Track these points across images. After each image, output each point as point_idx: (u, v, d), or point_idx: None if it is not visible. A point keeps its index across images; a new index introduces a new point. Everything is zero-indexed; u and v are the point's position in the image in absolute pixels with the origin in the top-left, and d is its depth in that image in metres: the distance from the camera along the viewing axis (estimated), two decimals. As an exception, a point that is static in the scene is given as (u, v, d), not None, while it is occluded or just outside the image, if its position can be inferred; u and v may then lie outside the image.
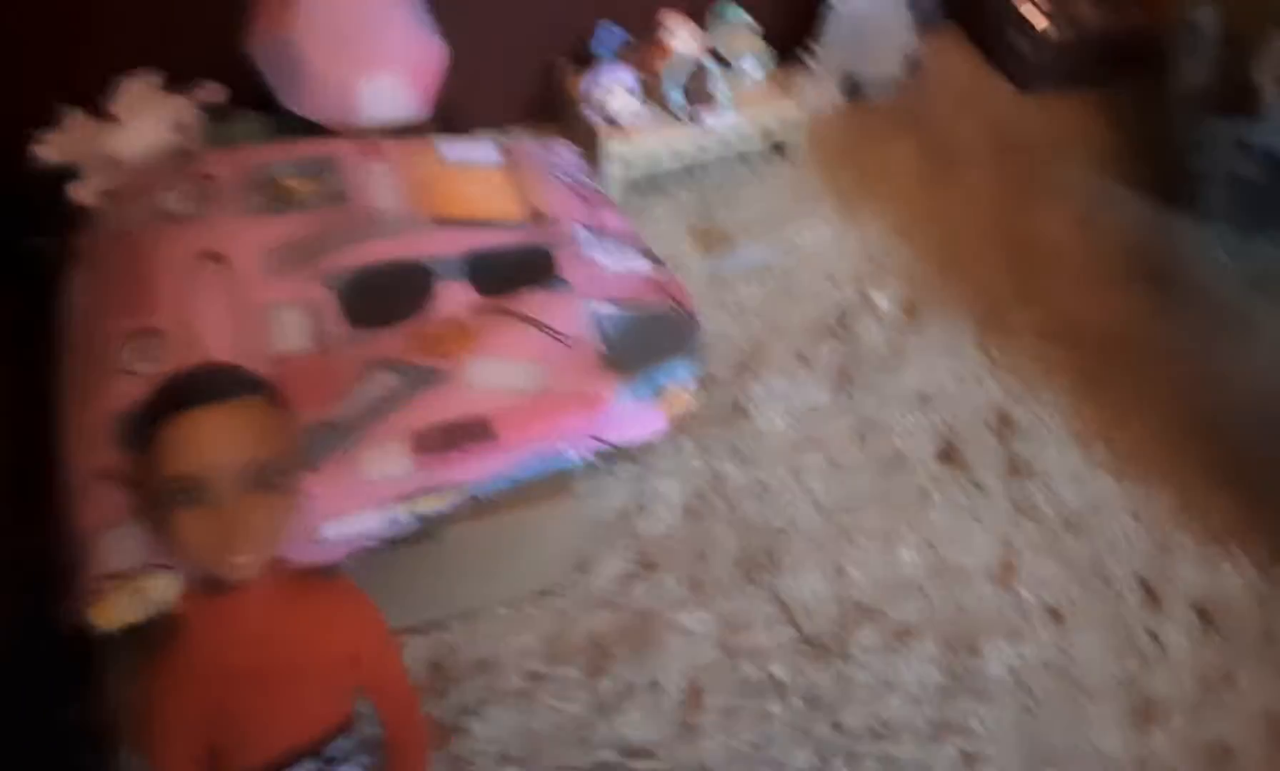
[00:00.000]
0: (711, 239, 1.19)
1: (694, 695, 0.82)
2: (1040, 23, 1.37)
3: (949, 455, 0.99)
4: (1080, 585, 0.90)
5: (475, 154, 0.96)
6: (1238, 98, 1.12)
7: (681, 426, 0.98)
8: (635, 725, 0.80)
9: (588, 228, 0.95)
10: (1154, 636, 0.87)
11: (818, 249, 1.19)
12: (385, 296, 0.84)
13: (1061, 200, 1.26)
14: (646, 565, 0.90)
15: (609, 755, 0.78)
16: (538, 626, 0.86)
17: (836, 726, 0.80)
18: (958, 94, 1.40)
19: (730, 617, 0.87)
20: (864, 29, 1.31)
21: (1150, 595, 0.89)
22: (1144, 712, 0.82)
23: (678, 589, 0.88)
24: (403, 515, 0.74)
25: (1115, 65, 1.38)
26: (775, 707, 0.81)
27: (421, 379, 0.78)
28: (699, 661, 0.84)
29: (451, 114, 1.12)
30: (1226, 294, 1.15)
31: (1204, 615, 0.88)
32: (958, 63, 1.44)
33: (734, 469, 0.97)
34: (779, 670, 0.83)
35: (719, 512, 0.94)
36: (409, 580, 0.81)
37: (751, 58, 1.27)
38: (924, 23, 1.37)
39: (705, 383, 1.02)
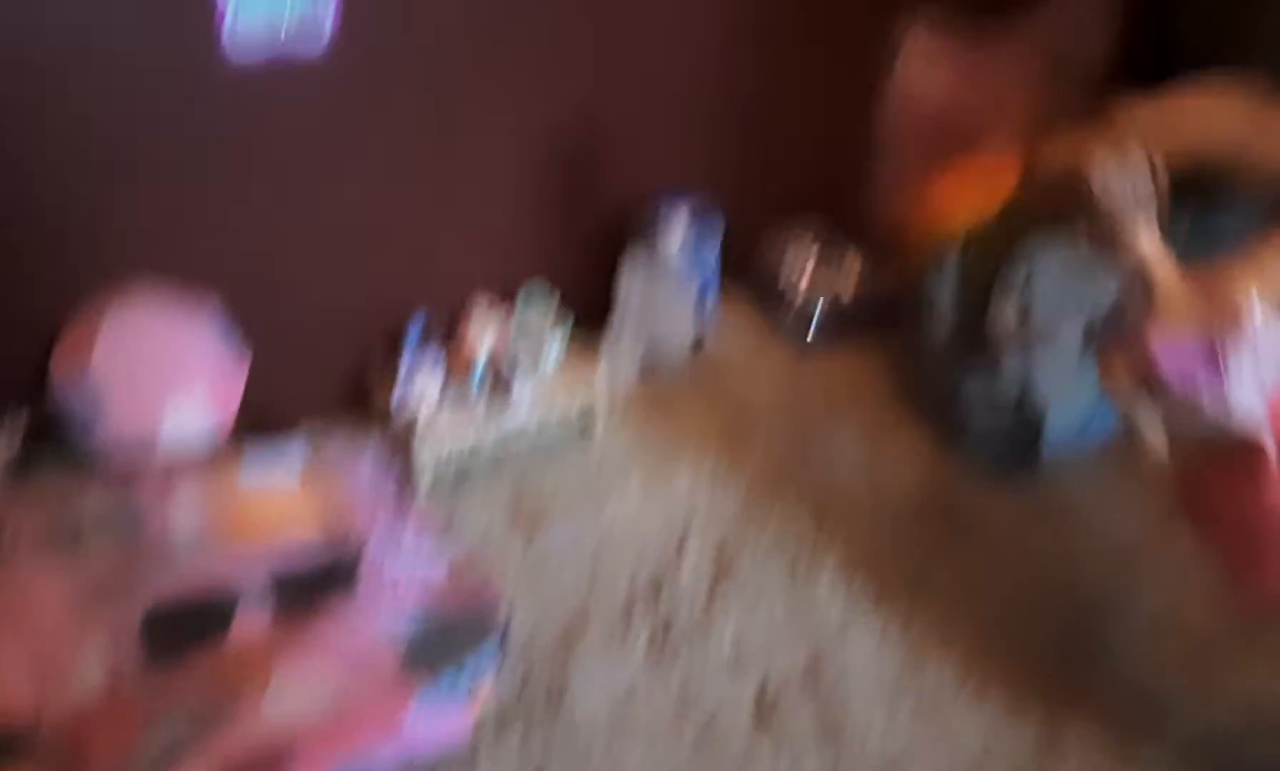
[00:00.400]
0: (524, 522, 1.21)
1: None
2: (810, 290, 1.50)
3: (764, 718, 1.01)
4: None
5: (276, 471, 0.97)
6: (978, 353, 1.24)
7: (497, 724, 0.98)
8: None
9: (390, 535, 0.96)
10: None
11: (628, 520, 1.22)
12: (185, 630, 0.83)
13: (847, 448, 1.33)
14: None
15: None
16: None
17: None
18: (746, 358, 1.49)
19: None
20: (655, 308, 1.39)
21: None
22: None
23: None
24: None
25: (880, 323, 1.50)
26: None
27: (217, 714, 0.76)
28: None
29: (262, 418, 1.13)
30: (1004, 525, 1.22)
31: None
32: (744, 329, 1.53)
33: (553, 764, 0.96)
34: None
35: None
36: None
37: (554, 342, 1.33)
38: (708, 298, 1.45)
39: (521, 674, 1.03)
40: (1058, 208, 0.97)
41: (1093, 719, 1.00)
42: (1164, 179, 0.94)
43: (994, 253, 1.24)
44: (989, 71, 1.49)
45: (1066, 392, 1.21)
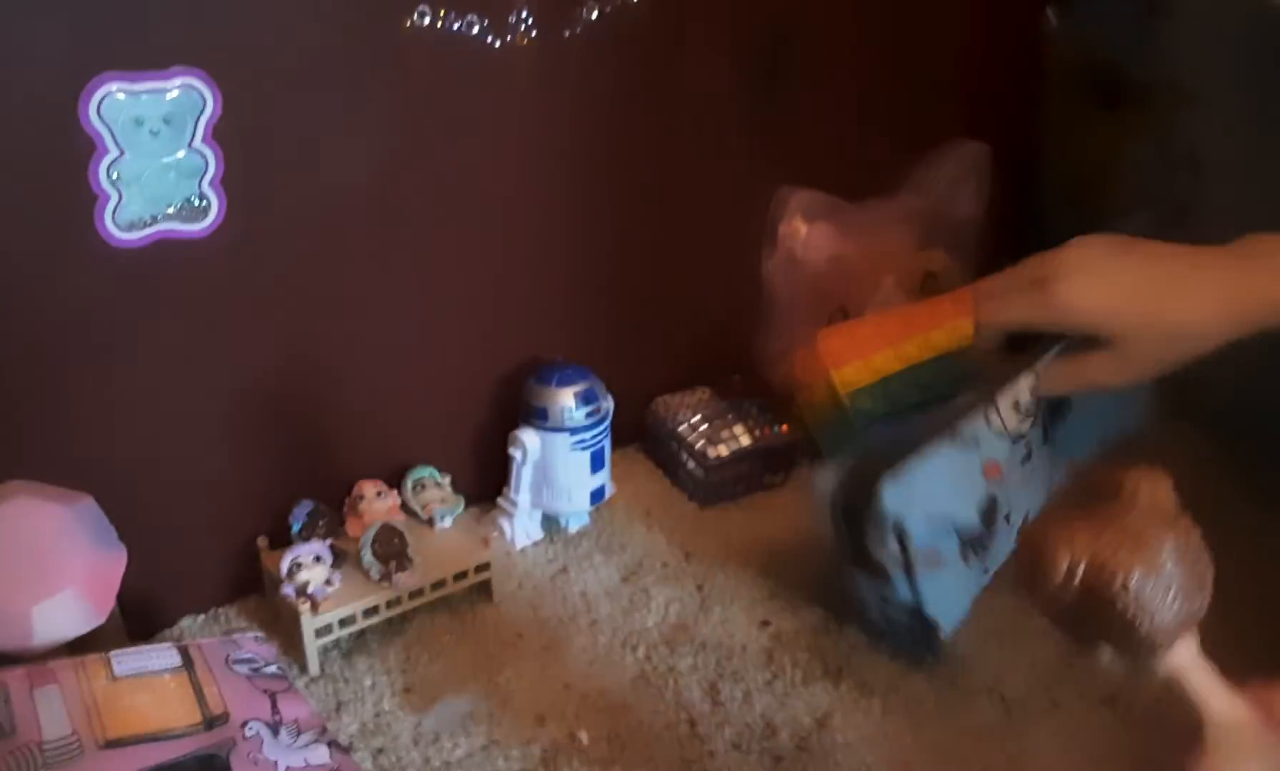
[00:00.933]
0: (415, 692, 1.20)
1: None
2: (704, 447, 1.52)
3: None
4: None
5: (151, 662, 0.96)
6: (868, 563, 1.21)
7: None
8: None
9: (267, 723, 0.95)
10: None
11: (521, 688, 1.22)
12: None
13: (745, 605, 1.34)
14: None
15: None
16: None
17: None
18: (646, 514, 1.51)
19: None
20: (550, 469, 1.41)
21: None
22: None
23: None
24: None
25: (774, 472, 1.55)
26: None
27: None
28: None
29: (143, 609, 1.13)
30: (909, 688, 1.22)
31: None
32: (643, 484, 1.56)
33: None
34: None
35: None
36: None
37: (446, 511, 1.35)
38: (603, 461, 1.46)
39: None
40: (1077, 629, 0.74)
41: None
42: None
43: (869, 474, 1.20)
44: (868, 229, 1.57)
45: (958, 603, 1.22)
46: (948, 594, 1.22)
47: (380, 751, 1.12)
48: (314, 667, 1.20)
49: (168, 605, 1.09)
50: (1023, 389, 1.09)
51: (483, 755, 1.12)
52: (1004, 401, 1.10)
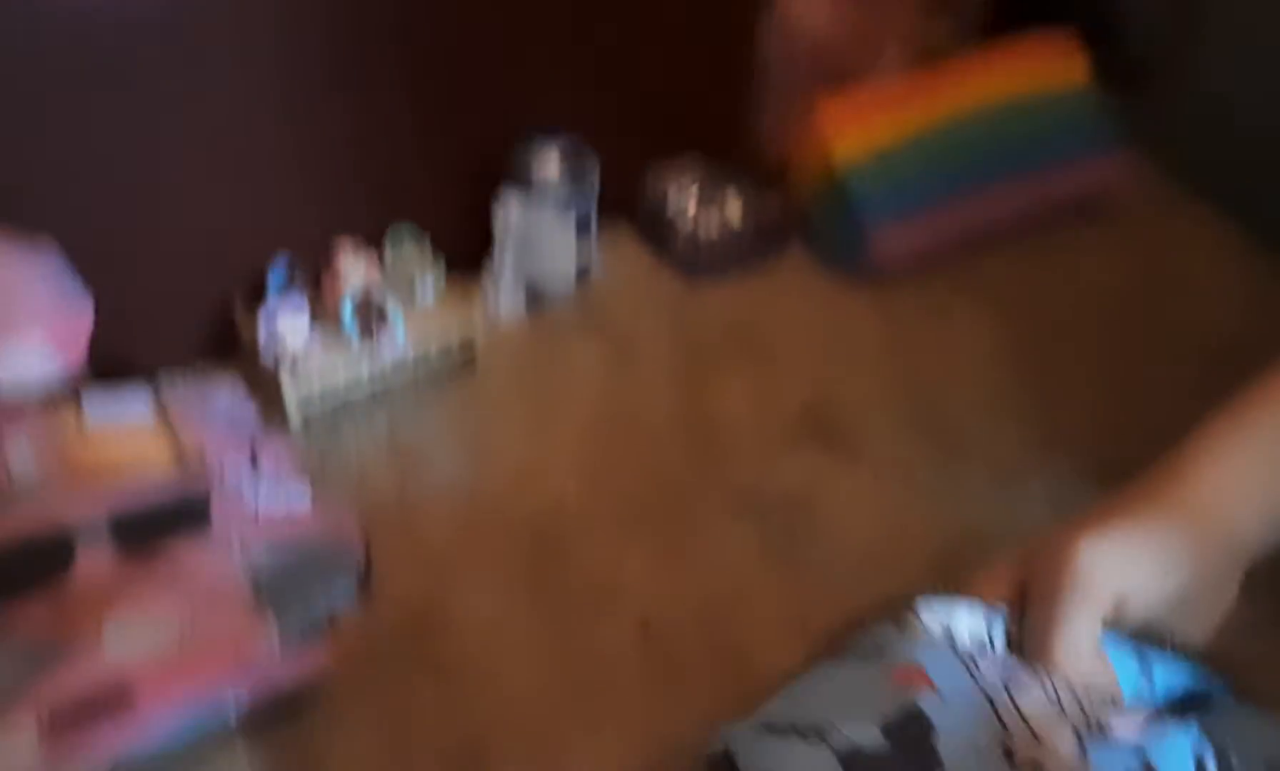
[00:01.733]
0: (401, 462, 1.18)
1: None
2: (695, 222, 1.48)
3: (647, 642, 1.00)
4: None
5: (123, 407, 0.93)
6: None
7: (366, 658, 0.94)
8: None
9: (245, 470, 0.93)
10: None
11: (508, 457, 1.20)
12: (21, 571, 0.79)
13: (735, 379, 1.32)
14: None
15: None
16: None
17: None
18: (633, 291, 1.46)
19: None
20: (535, 240, 1.36)
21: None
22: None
23: None
24: None
25: (767, 248, 1.50)
26: None
27: (53, 654, 0.73)
28: None
29: (116, 364, 1.08)
30: (897, 449, 1.21)
31: None
32: (632, 262, 1.51)
33: (431, 687, 0.95)
34: None
35: (416, 739, 0.91)
36: None
37: (427, 278, 1.30)
38: (590, 231, 1.41)
39: (393, 611, 1.00)
40: None
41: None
42: None
43: None
44: (871, -1, 1.49)
45: None
46: None
47: (363, 512, 1.10)
48: (296, 434, 1.18)
49: (140, 368, 1.06)
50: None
51: (466, 517, 1.11)
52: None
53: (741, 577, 1.06)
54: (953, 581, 0.81)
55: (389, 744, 0.90)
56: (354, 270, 1.24)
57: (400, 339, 1.21)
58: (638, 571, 1.06)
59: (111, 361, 1.08)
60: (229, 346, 1.27)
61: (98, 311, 1.05)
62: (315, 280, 1.26)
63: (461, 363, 1.30)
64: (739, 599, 1.04)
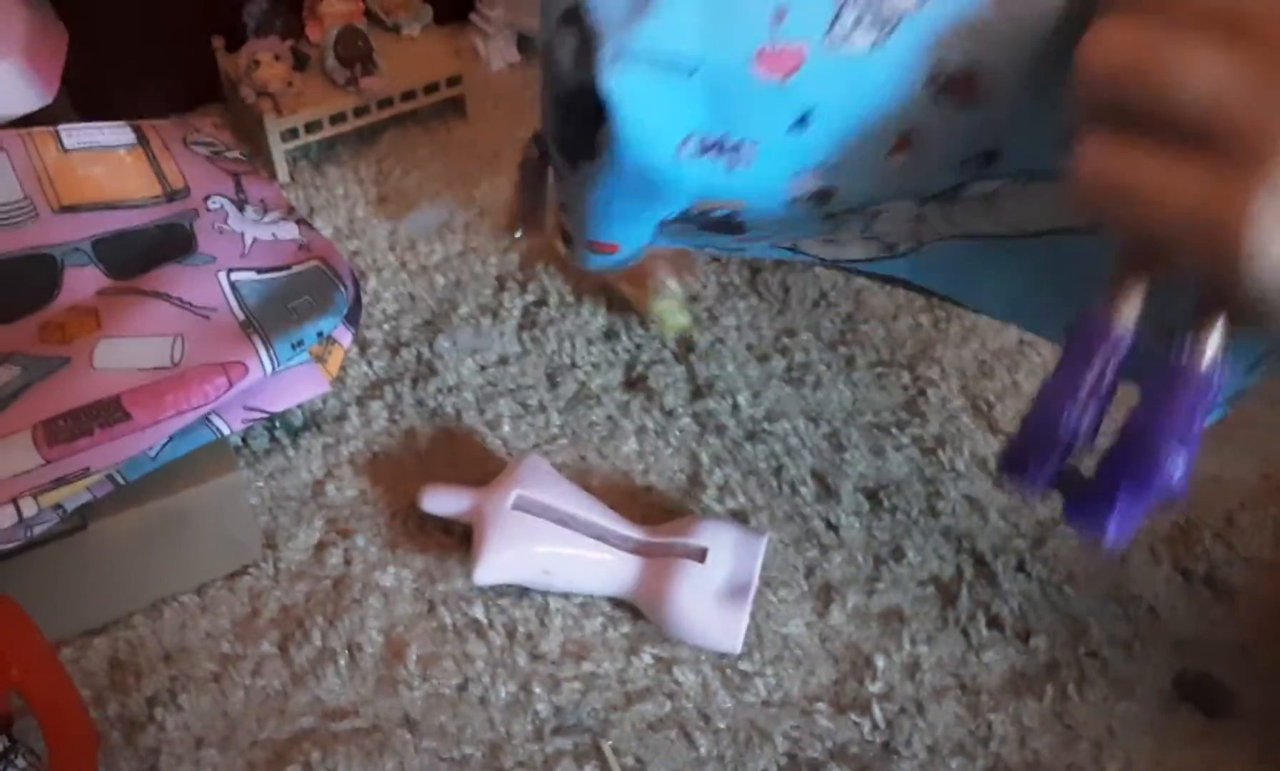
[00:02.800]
0: (390, 202, 1.16)
1: (394, 650, 0.80)
2: None
3: (634, 384, 1.00)
4: (761, 488, 0.92)
5: (104, 137, 0.90)
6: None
7: (365, 388, 0.97)
8: (334, 689, 0.78)
9: (230, 199, 0.90)
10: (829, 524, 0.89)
11: (499, 202, 1.17)
12: (7, 291, 0.78)
13: None
14: (340, 531, 0.87)
15: (308, 721, 0.76)
16: (228, 608, 0.82)
17: (536, 655, 0.80)
18: None
19: (428, 570, 0.85)
20: None
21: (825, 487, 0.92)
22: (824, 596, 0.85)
23: (373, 551, 0.86)
24: (37, 509, 0.69)
25: None
26: (477, 648, 0.80)
27: (45, 367, 0.72)
28: (398, 616, 0.82)
29: (95, 103, 1.04)
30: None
31: (873, 497, 0.91)
32: None
33: (424, 424, 0.95)
34: (479, 612, 0.82)
35: (410, 470, 0.92)
36: (69, 580, 0.76)
37: (412, 17, 1.24)
38: None
39: (389, 345, 1.02)
40: None
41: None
42: None
43: None
44: None
45: None
46: None
47: (356, 254, 1.10)
48: (283, 175, 1.17)
49: (121, 110, 1.03)
50: None
51: (460, 260, 1.10)
52: None
53: (732, 316, 1.06)
54: None
55: (385, 476, 0.92)
56: (336, 9, 1.19)
57: (386, 79, 1.17)
58: (627, 317, 1.06)
59: (91, 105, 1.05)
60: (211, 91, 1.24)
61: (77, 54, 1.02)
62: (297, 20, 1.22)
63: (449, 106, 1.26)
64: (716, 341, 1.04)
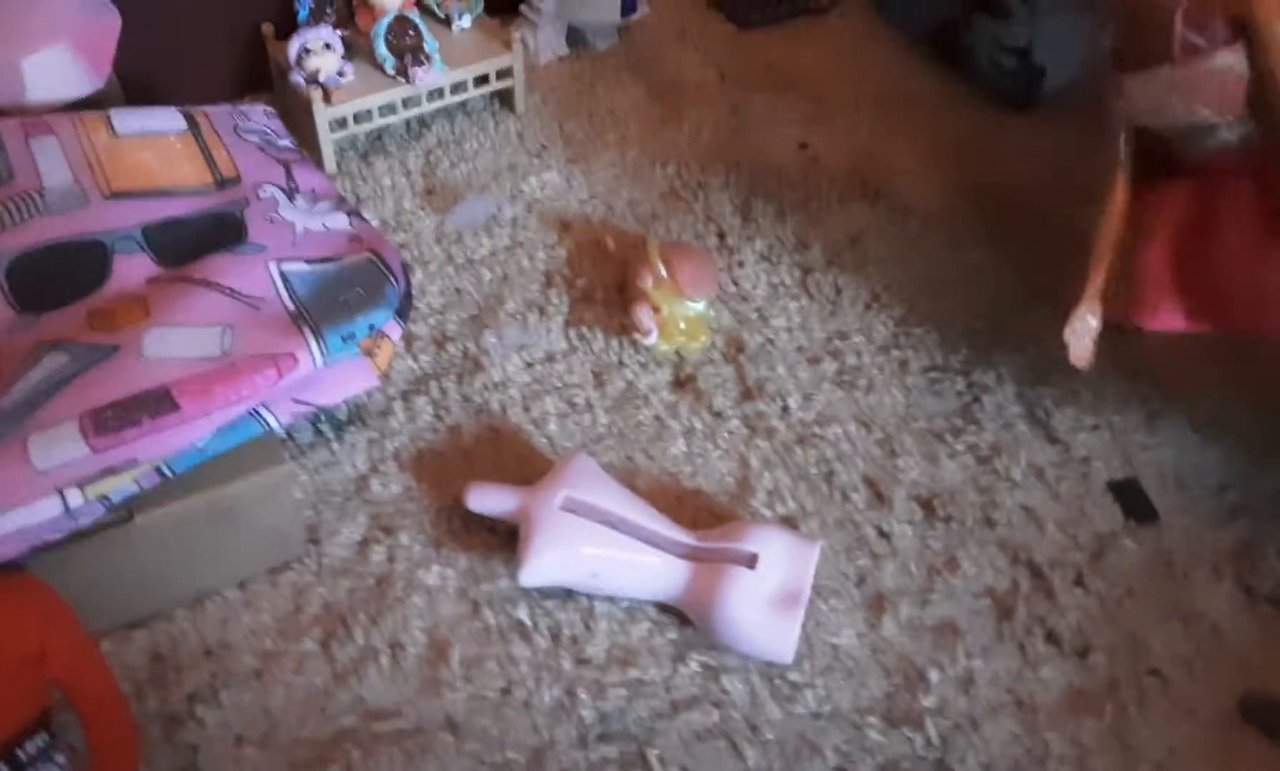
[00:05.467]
0: (437, 195, 1.16)
1: (437, 650, 0.79)
2: None
3: (683, 385, 0.98)
4: (812, 493, 0.90)
5: (155, 123, 0.90)
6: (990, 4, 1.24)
7: (412, 382, 0.96)
8: (376, 688, 0.77)
9: (281, 188, 0.89)
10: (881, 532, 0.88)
11: (547, 197, 1.16)
12: (56, 277, 0.77)
13: (783, 128, 1.26)
14: (383, 528, 0.86)
15: (350, 721, 0.75)
16: (270, 604, 0.81)
17: (581, 660, 0.79)
18: (680, 35, 1.41)
19: (472, 570, 0.84)
20: None
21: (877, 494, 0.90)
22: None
23: (417, 548, 0.85)
24: (84, 500, 0.67)
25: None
26: (521, 650, 0.79)
27: (94, 355, 0.71)
28: (441, 616, 0.81)
29: (145, 88, 1.05)
30: (937, 205, 1.17)
31: (927, 506, 0.89)
32: (679, 4, 1.45)
33: (469, 421, 0.94)
34: (523, 613, 0.81)
35: (455, 467, 0.90)
36: (112, 573, 0.75)
37: (464, 9, 1.23)
38: None
39: (435, 339, 1.00)
40: None
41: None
42: None
43: None
44: None
45: (1067, 51, 1.22)
46: (1060, 41, 1.21)
47: (402, 246, 1.09)
48: (330, 164, 1.16)
49: (171, 96, 1.02)
50: None
51: (507, 255, 1.09)
52: None
53: (782, 318, 1.04)
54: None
55: (430, 473, 0.90)
56: (388, -2, 1.18)
57: (438, 71, 1.16)
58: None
59: (143, 92, 1.05)
60: (261, 79, 1.24)
61: (128, 41, 1.01)
62: (347, 8, 1.21)
63: (502, 98, 1.25)
64: (766, 343, 1.02)
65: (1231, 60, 0.78)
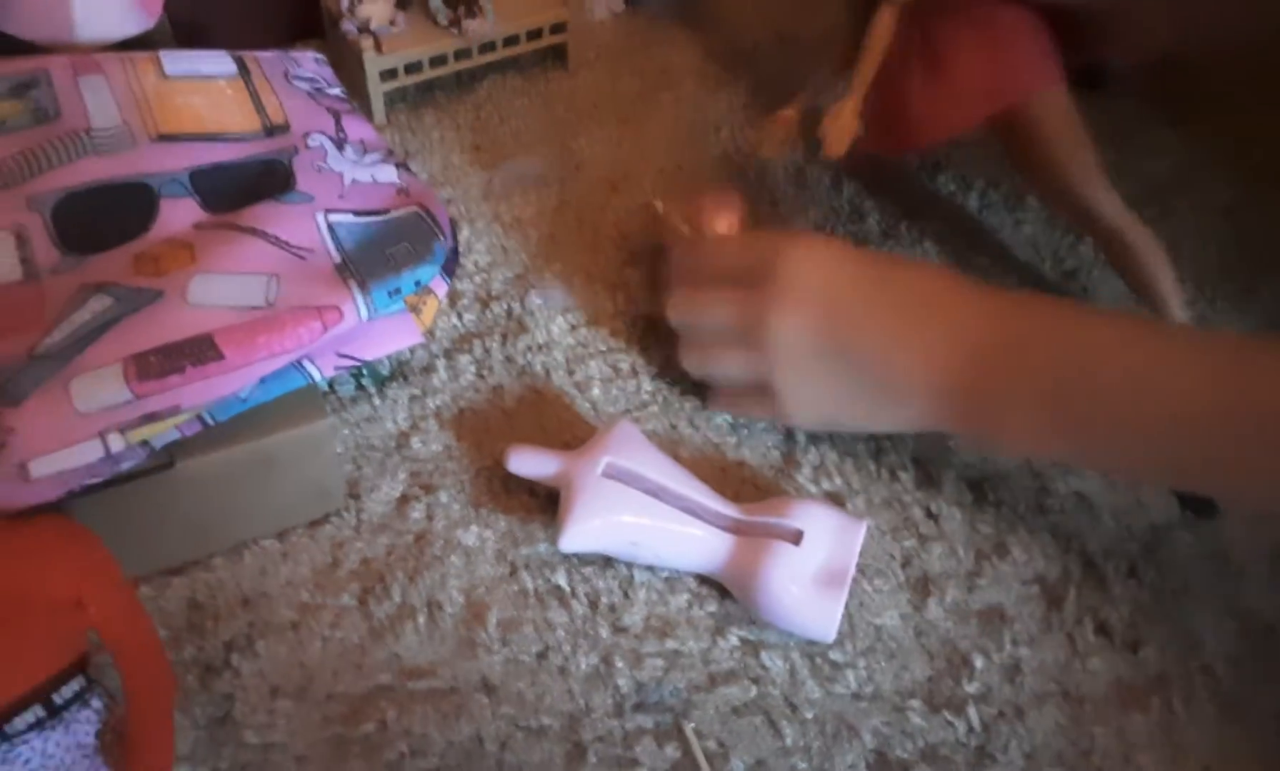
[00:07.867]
0: (486, 151, 1.14)
1: (474, 611, 0.78)
2: None
3: None
4: (859, 471, 0.88)
5: (204, 66, 0.88)
6: None
7: (455, 341, 0.94)
8: (413, 647, 0.76)
9: (330, 137, 0.88)
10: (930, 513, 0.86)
11: (595, 156, 1.14)
12: (102, 218, 0.76)
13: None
14: (423, 486, 0.85)
15: (386, 678, 0.74)
16: (309, 557, 0.80)
17: (619, 628, 0.77)
18: None
19: (511, 532, 0.82)
20: None
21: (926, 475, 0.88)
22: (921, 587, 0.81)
23: (456, 508, 0.84)
24: (124, 445, 0.67)
25: None
26: (558, 616, 0.78)
27: (138, 299, 0.70)
28: (479, 577, 0.80)
29: (195, 36, 1.03)
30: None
31: (977, 489, 0.87)
32: None
33: (512, 381, 0.93)
34: (561, 579, 0.80)
35: (496, 428, 0.89)
36: (152, 518, 0.74)
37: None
38: None
39: (480, 299, 0.98)
40: None
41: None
42: None
43: None
44: None
45: None
46: None
47: (449, 202, 1.07)
48: (380, 116, 1.14)
49: (221, 41, 1.01)
50: None
51: (554, 214, 1.08)
52: None
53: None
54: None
55: (471, 432, 0.89)
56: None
57: (491, 23, 1.14)
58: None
59: (193, 35, 1.04)
60: (311, 26, 1.22)
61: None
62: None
63: (555, 54, 1.23)
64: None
65: None
